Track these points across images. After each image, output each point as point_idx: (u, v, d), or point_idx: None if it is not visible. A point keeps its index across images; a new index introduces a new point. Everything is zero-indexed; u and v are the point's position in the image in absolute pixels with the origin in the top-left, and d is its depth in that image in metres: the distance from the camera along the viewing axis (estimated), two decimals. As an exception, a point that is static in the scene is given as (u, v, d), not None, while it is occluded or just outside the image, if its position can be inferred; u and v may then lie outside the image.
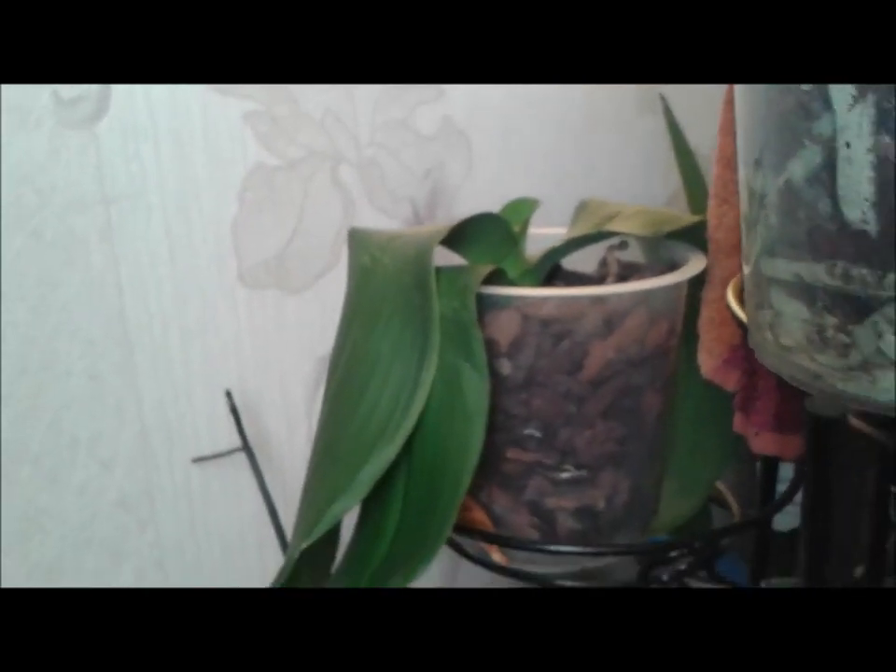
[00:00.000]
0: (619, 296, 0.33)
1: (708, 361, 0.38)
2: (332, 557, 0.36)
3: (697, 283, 0.37)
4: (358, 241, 0.36)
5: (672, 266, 0.37)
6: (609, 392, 0.35)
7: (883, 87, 0.20)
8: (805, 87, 0.21)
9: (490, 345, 0.34)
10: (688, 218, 0.38)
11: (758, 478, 0.42)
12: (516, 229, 0.37)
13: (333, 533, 0.36)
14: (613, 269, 0.39)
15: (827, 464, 0.19)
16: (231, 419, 0.51)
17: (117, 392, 0.48)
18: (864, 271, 0.22)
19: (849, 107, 0.21)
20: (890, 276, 0.21)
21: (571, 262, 0.41)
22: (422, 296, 0.32)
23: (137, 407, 0.49)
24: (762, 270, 0.25)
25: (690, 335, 0.39)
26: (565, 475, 0.35)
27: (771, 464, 0.41)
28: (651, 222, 0.37)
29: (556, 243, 0.38)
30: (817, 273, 0.23)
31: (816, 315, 0.23)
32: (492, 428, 0.35)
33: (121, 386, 0.48)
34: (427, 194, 0.56)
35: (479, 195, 0.58)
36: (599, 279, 0.40)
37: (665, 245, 0.39)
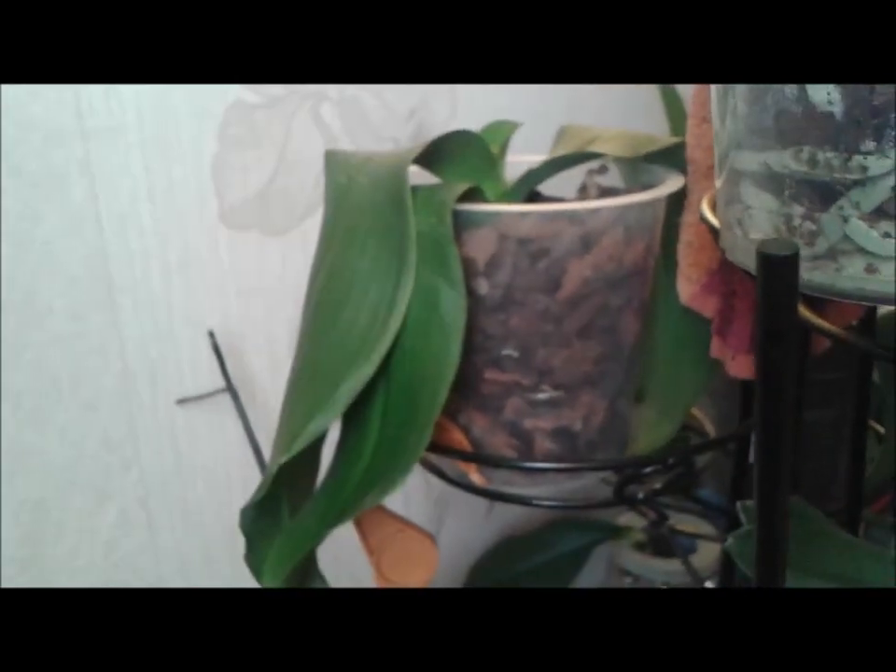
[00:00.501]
0: (596, 213, 0.33)
1: (686, 287, 0.38)
2: (312, 480, 0.36)
3: (677, 209, 0.37)
4: (335, 161, 0.36)
5: (651, 189, 0.37)
6: (586, 311, 0.35)
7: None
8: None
9: (467, 264, 0.34)
10: (667, 140, 0.37)
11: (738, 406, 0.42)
12: (495, 150, 0.37)
13: (313, 455, 0.36)
14: (593, 193, 0.39)
15: (778, 316, 0.19)
16: (214, 359, 0.51)
17: (99, 331, 0.48)
18: (830, 154, 0.22)
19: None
20: (855, 159, 0.21)
21: (551, 189, 0.41)
22: (398, 213, 0.32)
23: (120, 347, 0.49)
24: (731, 164, 0.25)
25: (669, 263, 0.39)
26: (542, 396, 0.36)
27: (749, 391, 0.41)
28: (630, 144, 0.37)
29: (536, 166, 0.38)
30: (784, 160, 0.23)
31: (783, 205, 0.23)
32: (470, 349, 0.35)
33: (103, 325, 0.48)
34: (412, 134, 0.56)
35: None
36: (579, 204, 0.40)
37: (645, 168, 0.39)
